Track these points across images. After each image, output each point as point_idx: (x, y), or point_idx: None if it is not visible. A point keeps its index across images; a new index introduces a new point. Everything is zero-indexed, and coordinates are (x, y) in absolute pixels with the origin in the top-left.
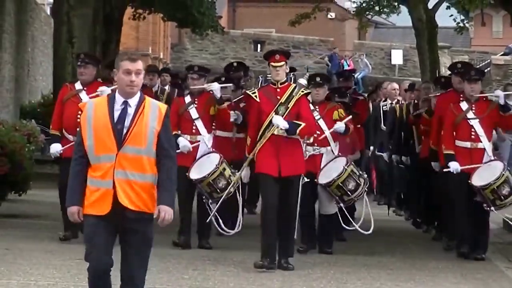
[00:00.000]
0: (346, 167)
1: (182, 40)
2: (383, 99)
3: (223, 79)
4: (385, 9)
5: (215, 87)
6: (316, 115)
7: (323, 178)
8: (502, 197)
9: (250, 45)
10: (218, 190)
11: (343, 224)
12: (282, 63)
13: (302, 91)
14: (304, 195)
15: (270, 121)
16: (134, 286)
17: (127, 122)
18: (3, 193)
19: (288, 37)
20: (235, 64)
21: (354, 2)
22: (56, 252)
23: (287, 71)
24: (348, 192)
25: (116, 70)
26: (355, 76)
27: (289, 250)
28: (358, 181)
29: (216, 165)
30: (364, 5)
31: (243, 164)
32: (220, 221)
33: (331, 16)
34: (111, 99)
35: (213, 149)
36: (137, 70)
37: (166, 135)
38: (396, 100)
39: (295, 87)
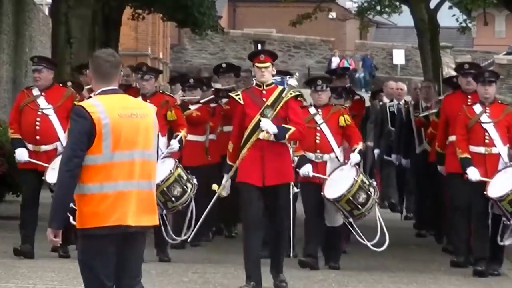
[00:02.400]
0: (356, 178)
1: (181, 40)
2: (390, 99)
3: (191, 81)
4: (386, 9)
5: (175, 147)
6: (319, 119)
7: (330, 191)
8: None
9: (250, 45)
10: (173, 199)
11: (358, 237)
12: (268, 64)
13: (291, 93)
14: (309, 211)
15: (255, 126)
16: None
17: None
18: (0, 194)
19: (288, 37)
20: (223, 65)
21: (355, 2)
22: (54, 254)
23: (274, 73)
24: (359, 206)
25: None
26: (357, 75)
27: (280, 267)
28: (368, 192)
29: (170, 171)
30: (365, 5)
31: (224, 176)
32: (169, 228)
33: (332, 16)
34: None
35: (169, 154)
36: None
37: None
38: (403, 101)
39: (283, 89)
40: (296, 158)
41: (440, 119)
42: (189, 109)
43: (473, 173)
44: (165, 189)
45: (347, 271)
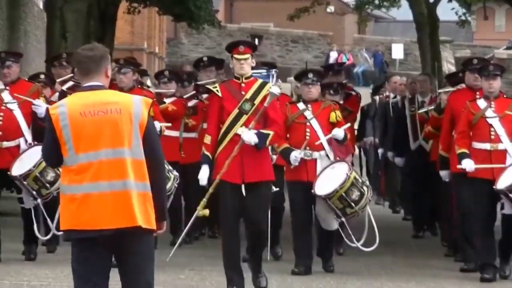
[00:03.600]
0: (349, 174)
1: (178, 34)
2: (392, 94)
3: (166, 73)
4: (385, 3)
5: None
6: (309, 114)
7: (322, 188)
8: None
9: (247, 39)
10: (48, 185)
11: (346, 239)
12: (247, 55)
13: (271, 87)
14: (297, 214)
15: (233, 121)
16: None
17: None
18: None
19: (286, 31)
20: (204, 59)
21: None
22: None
23: (253, 64)
24: (352, 204)
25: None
26: (355, 70)
27: (259, 267)
28: (362, 189)
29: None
30: None
31: (202, 167)
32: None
33: (330, 10)
34: None
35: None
36: None
37: None
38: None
39: (262, 82)
40: (275, 157)
41: (445, 118)
42: (164, 102)
43: (468, 163)
44: (37, 174)
45: (345, 268)
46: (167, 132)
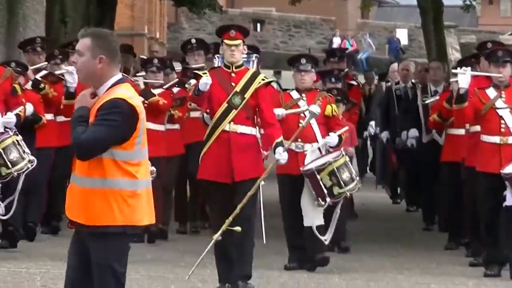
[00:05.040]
0: (343, 153)
1: (179, 19)
2: (395, 81)
3: (155, 61)
4: None
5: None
6: (303, 104)
7: (313, 163)
8: None
9: (249, 24)
10: (9, 164)
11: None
12: (239, 41)
13: (263, 79)
14: (287, 209)
15: (221, 115)
16: None
17: None
18: None
19: (288, 16)
20: (193, 41)
21: None
22: (48, 239)
23: (245, 52)
24: (342, 183)
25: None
26: (359, 56)
27: (246, 270)
28: (352, 174)
29: (9, 133)
30: None
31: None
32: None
33: None
34: None
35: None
36: (77, 51)
37: None
38: (410, 83)
39: (254, 73)
40: (266, 153)
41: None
42: (153, 94)
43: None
44: (1, 150)
45: (347, 255)
46: (151, 126)
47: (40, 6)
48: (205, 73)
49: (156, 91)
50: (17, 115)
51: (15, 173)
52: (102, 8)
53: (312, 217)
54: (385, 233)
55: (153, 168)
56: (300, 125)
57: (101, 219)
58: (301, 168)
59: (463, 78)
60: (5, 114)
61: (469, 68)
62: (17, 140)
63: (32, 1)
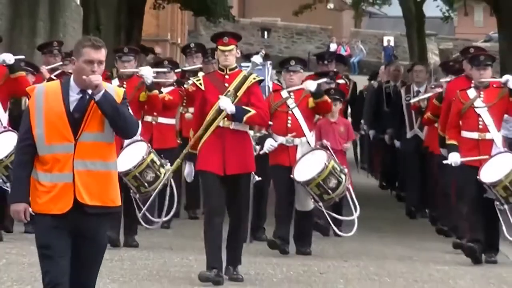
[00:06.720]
0: (327, 163)
1: (197, 27)
2: (386, 80)
3: (165, 62)
4: (378, 1)
5: (146, 71)
6: (291, 103)
7: (301, 174)
8: None
9: (258, 32)
10: (146, 184)
11: (333, 227)
12: (232, 46)
13: (254, 78)
14: (280, 195)
15: (215, 112)
16: None
17: (83, 109)
18: None
19: (291, 25)
20: (192, 45)
21: None
22: None
23: (238, 55)
24: (329, 191)
25: (75, 57)
26: (352, 60)
27: (237, 258)
28: (339, 178)
29: (143, 156)
30: None
31: (187, 164)
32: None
33: (330, 6)
34: (64, 85)
35: (141, 137)
36: (100, 60)
37: None
38: (399, 82)
39: (246, 74)
40: (258, 147)
41: (443, 104)
42: (161, 92)
43: (453, 158)
44: (137, 174)
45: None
46: (163, 120)
47: (78, 16)
48: (199, 80)
49: (165, 90)
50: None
51: (153, 192)
52: (131, 17)
53: (304, 204)
54: (376, 217)
55: (169, 167)
56: (246, 73)
57: (116, 200)
58: (291, 176)
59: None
60: (7, 111)
61: (458, 159)
62: (151, 161)
63: (71, 11)
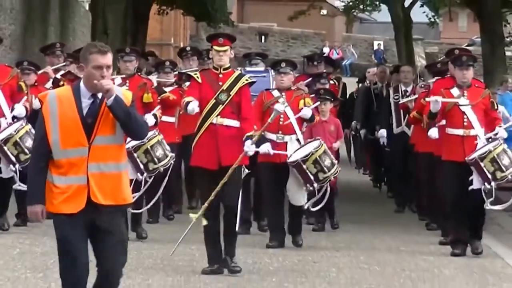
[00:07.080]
0: (322, 143)
1: (199, 31)
2: (374, 81)
3: (166, 63)
4: (368, 8)
5: (151, 122)
6: (283, 101)
7: (297, 154)
8: (504, 168)
9: (255, 36)
10: (156, 160)
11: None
12: (226, 47)
13: (246, 80)
14: (271, 189)
15: (209, 110)
16: (112, 279)
17: (95, 114)
18: None
19: (287, 30)
20: (188, 48)
21: (342, 1)
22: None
23: (232, 56)
24: (325, 169)
25: (83, 63)
26: (344, 63)
27: (232, 249)
28: (332, 160)
29: (155, 132)
30: (351, 3)
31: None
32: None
33: (323, 12)
34: (75, 91)
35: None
36: (108, 65)
37: None
38: (386, 83)
39: (239, 74)
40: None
41: (428, 103)
42: (165, 92)
43: (433, 132)
44: (149, 147)
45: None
46: (164, 118)
47: (87, 21)
48: (196, 74)
49: (167, 89)
50: (24, 106)
51: (161, 168)
52: (137, 22)
53: (298, 198)
54: (367, 212)
55: (173, 154)
56: (269, 120)
57: (128, 199)
58: (287, 160)
59: (435, 104)
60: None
61: (440, 97)
62: (161, 139)
63: (80, 17)
